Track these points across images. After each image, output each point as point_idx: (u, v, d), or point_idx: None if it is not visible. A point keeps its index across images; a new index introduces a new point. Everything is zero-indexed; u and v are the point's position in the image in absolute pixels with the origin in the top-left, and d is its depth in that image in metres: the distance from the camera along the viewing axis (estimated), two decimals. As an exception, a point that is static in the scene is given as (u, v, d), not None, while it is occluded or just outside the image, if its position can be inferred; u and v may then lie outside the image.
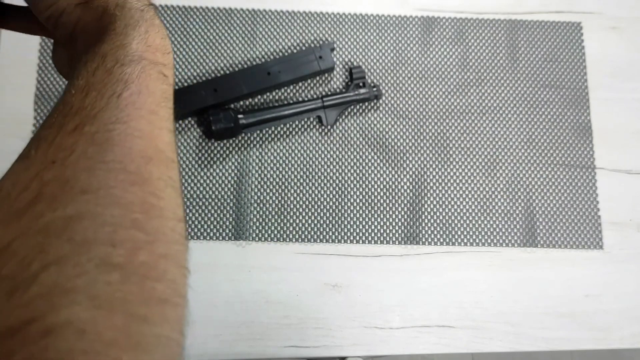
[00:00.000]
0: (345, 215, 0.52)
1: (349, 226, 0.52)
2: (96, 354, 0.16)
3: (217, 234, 0.51)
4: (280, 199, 0.52)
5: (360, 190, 0.53)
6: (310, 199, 0.52)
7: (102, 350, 0.16)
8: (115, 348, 0.16)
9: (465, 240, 0.52)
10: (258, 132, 0.53)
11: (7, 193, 0.18)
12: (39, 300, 0.16)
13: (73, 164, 0.19)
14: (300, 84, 0.55)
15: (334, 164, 0.53)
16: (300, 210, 0.52)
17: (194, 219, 0.51)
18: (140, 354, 0.17)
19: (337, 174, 0.53)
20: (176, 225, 0.21)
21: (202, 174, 0.52)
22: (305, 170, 0.53)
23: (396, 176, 0.53)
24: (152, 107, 0.23)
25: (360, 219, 0.52)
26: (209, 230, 0.51)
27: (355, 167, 0.53)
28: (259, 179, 0.52)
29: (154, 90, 0.23)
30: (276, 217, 0.52)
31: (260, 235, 0.51)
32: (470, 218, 0.53)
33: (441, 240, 0.52)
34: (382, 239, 0.52)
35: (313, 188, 0.53)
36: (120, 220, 0.19)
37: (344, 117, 0.54)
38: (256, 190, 0.52)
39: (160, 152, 0.22)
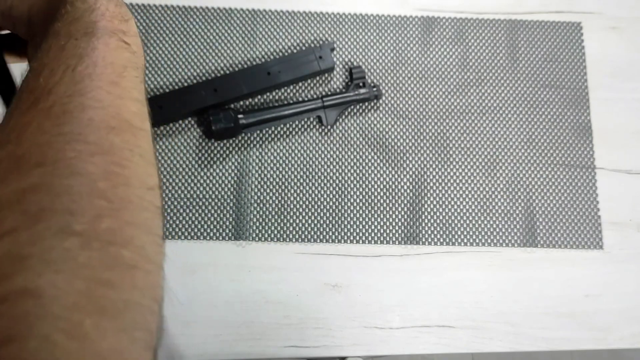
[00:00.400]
0: (345, 215, 0.52)
1: (349, 226, 0.52)
2: (55, 319, 0.15)
3: (217, 234, 0.51)
4: (280, 199, 0.52)
5: (360, 190, 0.53)
6: (310, 199, 0.52)
7: (61, 314, 0.15)
8: (76, 312, 0.16)
9: (465, 240, 0.52)
10: (258, 132, 0.53)
11: None
12: None
13: (28, 139, 0.19)
14: (300, 84, 0.55)
15: (334, 164, 0.53)
16: (300, 210, 0.52)
17: (194, 219, 0.51)
18: (105, 318, 0.16)
19: (337, 174, 0.53)
20: (145, 194, 0.20)
21: (202, 174, 0.52)
22: (305, 170, 0.53)
23: (396, 176, 0.53)
24: (112, 77, 0.22)
25: (360, 219, 0.52)
26: (209, 230, 0.51)
27: (355, 167, 0.53)
28: (259, 179, 0.52)
29: (113, 61, 0.22)
30: (276, 217, 0.52)
31: (260, 235, 0.51)
32: (470, 218, 0.53)
33: (441, 240, 0.52)
34: (382, 239, 0.52)
35: (313, 188, 0.53)
36: (80, 189, 0.18)
37: (344, 117, 0.54)
38: (256, 190, 0.52)
39: (124, 122, 0.21)
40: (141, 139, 0.22)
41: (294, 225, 0.52)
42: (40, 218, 0.17)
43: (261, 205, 0.52)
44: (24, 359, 0.14)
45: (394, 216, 0.52)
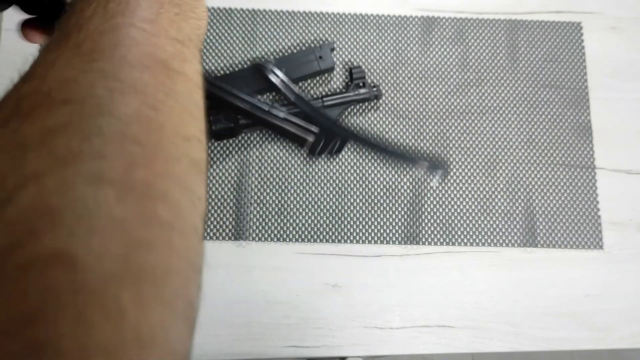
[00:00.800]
0: (345, 215, 0.52)
1: (349, 226, 0.52)
2: (90, 293, 0.13)
3: (217, 234, 0.51)
4: (280, 199, 0.52)
5: (360, 190, 0.53)
6: (310, 199, 0.52)
7: (97, 287, 0.13)
8: (114, 283, 0.13)
9: (465, 240, 0.52)
10: (258, 132, 0.53)
11: None
12: (17, 226, 0.13)
13: (55, 75, 0.17)
14: (300, 84, 0.55)
15: (334, 164, 0.53)
16: (300, 210, 0.52)
17: (194, 219, 0.51)
18: (145, 287, 0.14)
19: (337, 174, 0.53)
20: (180, 143, 0.18)
21: (202, 174, 0.52)
22: (305, 170, 0.53)
23: (396, 176, 0.53)
24: (145, 14, 0.20)
25: (360, 219, 0.52)
26: (209, 230, 0.51)
27: (355, 167, 0.53)
28: (259, 179, 0.52)
29: None
30: (276, 217, 0.52)
31: (260, 235, 0.51)
32: (470, 218, 0.53)
33: (441, 240, 0.52)
34: (382, 239, 0.52)
35: (313, 188, 0.53)
36: (112, 132, 0.16)
37: (344, 117, 0.54)
38: (256, 190, 0.52)
39: (159, 62, 0.19)
40: (178, 83, 0.20)
41: (294, 225, 0.52)
42: (69, 161, 0.14)
43: (261, 205, 0.52)
44: (54, 344, 0.12)
45: (394, 216, 0.52)
